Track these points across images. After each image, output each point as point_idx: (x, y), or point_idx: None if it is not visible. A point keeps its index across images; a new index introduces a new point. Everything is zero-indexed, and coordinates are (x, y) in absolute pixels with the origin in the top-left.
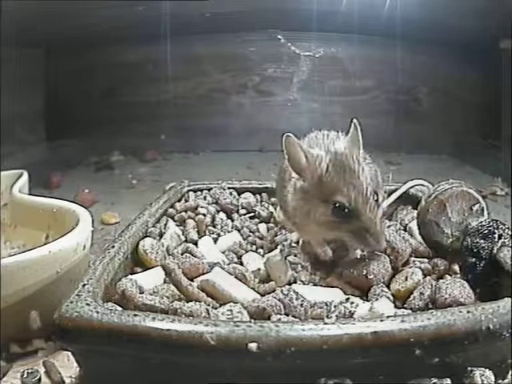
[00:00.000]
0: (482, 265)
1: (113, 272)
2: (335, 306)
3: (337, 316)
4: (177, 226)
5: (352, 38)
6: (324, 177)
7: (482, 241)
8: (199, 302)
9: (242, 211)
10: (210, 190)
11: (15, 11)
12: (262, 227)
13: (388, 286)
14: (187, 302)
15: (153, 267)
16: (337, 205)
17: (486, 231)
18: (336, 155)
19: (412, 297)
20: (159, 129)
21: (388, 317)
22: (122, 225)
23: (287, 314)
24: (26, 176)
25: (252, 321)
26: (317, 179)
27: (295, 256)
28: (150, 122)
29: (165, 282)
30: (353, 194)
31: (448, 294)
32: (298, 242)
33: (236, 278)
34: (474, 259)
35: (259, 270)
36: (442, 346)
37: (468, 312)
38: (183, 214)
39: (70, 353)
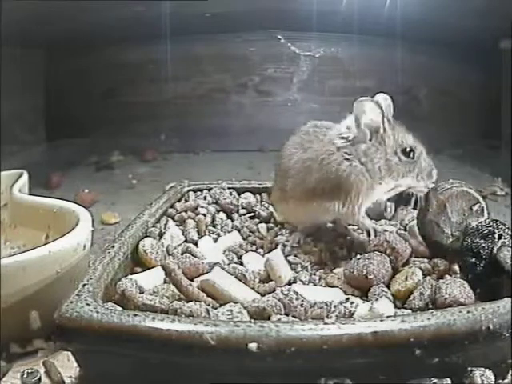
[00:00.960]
0: (482, 265)
1: (113, 272)
2: (335, 306)
3: (337, 316)
4: (177, 225)
5: (352, 37)
6: (391, 133)
7: (481, 241)
8: (199, 301)
9: (242, 211)
10: (209, 189)
11: (15, 11)
12: (262, 227)
13: (388, 286)
14: (187, 302)
15: (153, 267)
16: (407, 149)
17: (485, 231)
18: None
19: (412, 297)
20: (159, 129)
21: (388, 317)
22: (122, 225)
23: (287, 314)
24: (25, 176)
25: (252, 321)
26: (389, 134)
27: (295, 256)
28: (150, 122)
29: (165, 281)
30: (411, 140)
31: (448, 294)
32: (298, 242)
33: (236, 277)
34: (473, 259)
35: (259, 270)
36: (442, 346)
37: (468, 312)
38: (183, 214)
39: (69, 353)
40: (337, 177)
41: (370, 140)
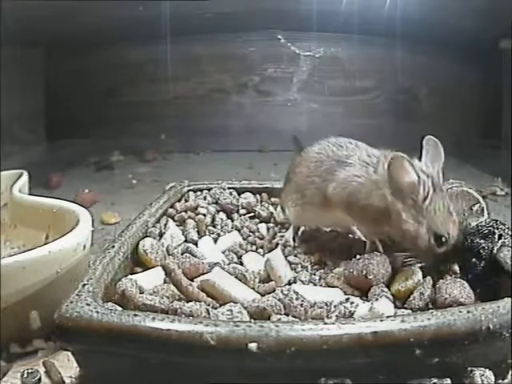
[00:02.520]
0: (482, 265)
1: (113, 272)
2: (335, 306)
3: (337, 316)
4: (177, 226)
5: (352, 37)
6: (429, 206)
7: (482, 241)
8: (199, 301)
9: (242, 211)
10: (209, 189)
11: (15, 11)
12: (262, 227)
13: (388, 286)
14: (187, 302)
15: (153, 267)
16: (439, 237)
17: (485, 231)
18: (434, 181)
19: (412, 297)
20: (159, 129)
21: (388, 317)
22: (122, 225)
23: (287, 314)
24: (25, 176)
25: (252, 321)
26: (420, 207)
27: (295, 256)
28: (150, 122)
29: (165, 281)
30: (451, 230)
31: (448, 294)
32: (294, 239)
33: (236, 277)
34: (474, 259)
35: (259, 270)
36: (442, 346)
37: (468, 312)
38: (183, 214)
39: (69, 353)
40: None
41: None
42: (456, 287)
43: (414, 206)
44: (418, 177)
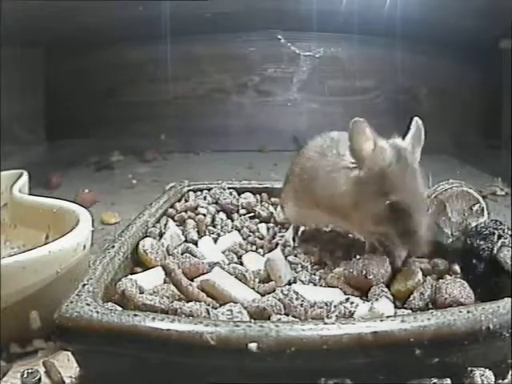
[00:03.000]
0: (482, 266)
1: (113, 272)
2: (335, 306)
3: (337, 316)
4: (177, 226)
5: (352, 37)
6: (387, 171)
7: (481, 242)
8: (199, 301)
9: (242, 211)
10: (210, 189)
11: (15, 11)
12: (262, 227)
13: (388, 286)
14: (187, 302)
15: (153, 267)
16: (393, 202)
17: (485, 232)
18: (400, 151)
19: (412, 297)
20: (159, 129)
21: (388, 317)
22: (122, 225)
23: (287, 314)
24: (25, 176)
25: (252, 321)
26: (378, 172)
27: (295, 256)
28: (150, 122)
29: (165, 281)
30: (410, 195)
31: (448, 294)
32: (294, 239)
33: (236, 278)
34: (474, 260)
35: (259, 270)
36: (442, 346)
37: (468, 312)
38: (183, 213)
39: (69, 353)
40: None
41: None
42: (456, 287)
43: (372, 175)
44: (375, 142)
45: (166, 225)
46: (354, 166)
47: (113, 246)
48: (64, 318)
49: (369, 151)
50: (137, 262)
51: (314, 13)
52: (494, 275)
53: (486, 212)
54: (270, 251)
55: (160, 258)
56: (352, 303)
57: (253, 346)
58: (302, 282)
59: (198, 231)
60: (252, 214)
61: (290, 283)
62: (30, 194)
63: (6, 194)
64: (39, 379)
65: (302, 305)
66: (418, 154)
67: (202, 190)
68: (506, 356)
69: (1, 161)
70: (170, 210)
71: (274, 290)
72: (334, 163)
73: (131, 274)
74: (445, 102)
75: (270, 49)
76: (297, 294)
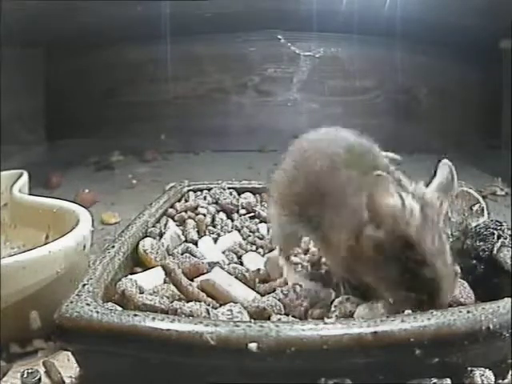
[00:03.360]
0: (482, 267)
1: (113, 272)
2: (335, 306)
3: (337, 316)
4: (177, 226)
5: (352, 37)
6: (413, 236)
7: (481, 243)
8: (199, 301)
9: (242, 211)
10: (210, 189)
11: (15, 11)
12: (262, 227)
13: None
14: (187, 302)
15: (153, 267)
16: (419, 270)
17: (485, 233)
18: (426, 208)
19: None
20: (159, 129)
21: (388, 317)
22: (122, 225)
23: (287, 314)
24: (25, 176)
25: (252, 321)
26: (402, 236)
27: (295, 256)
28: (150, 121)
29: (165, 281)
30: (437, 265)
31: None
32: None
33: (236, 278)
34: (474, 261)
35: (259, 270)
36: (442, 346)
37: (468, 312)
38: (183, 214)
39: (70, 353)
40: None
41: None
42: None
43: (391, 238)
44: (402, 200)
45: (165, 225)
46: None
47: (113, 246)
48: (64, 317)
49: (392, 210)
50: (137, 261)
51: (313, 13)
52: (493, 275)
53: (485, 212)
54: (270, 251)
55: (160, 258)
56: (352, 303)
57: (253, 345)
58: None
59: (198, 231)
60: (252, 214)
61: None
62: (30, 194)
63: (6, 193)
64: (39, 379)
65: (302, 305)
66: (447, 205)
67: (202, 190)
68: (506, 356)
69: (1, 161)
70: (170, 210)
71: (274, 290)
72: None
73: (131, 273)
74: (445, 102)
75: (270, 49)
76: (297, 294)
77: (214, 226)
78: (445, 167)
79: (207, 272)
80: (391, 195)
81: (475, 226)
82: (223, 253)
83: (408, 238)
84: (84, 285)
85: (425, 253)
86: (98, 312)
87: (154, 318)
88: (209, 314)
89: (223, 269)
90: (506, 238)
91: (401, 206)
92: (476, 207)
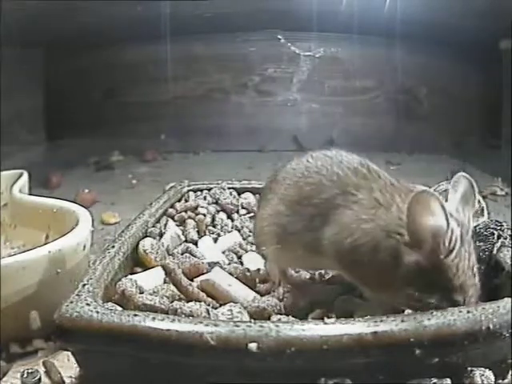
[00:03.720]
0: (482, 267)
1: (113, 272)
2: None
3: (337, 316)
4: (177, 226)
5: (352, 38)
6: (449, 261)
7: (481, 243)
8: (199, 301)
9: (242, 211)
10: (210, 189)
11: (15, 11)
12: None
13: None
14: (187, 302)
15: (153, 267)
16: (454, 300)
17: (484, 233)
18: (463, 230)
19: None
20: (159, 129)
21: (388, 317)
22: (122, 225)
23: (287, 314)
24: (25, 176)
25: (252, 321)
26: (438, 259)
27: None
28: (150, 122)
29: (165, 281)
30: (470, 292)
31: None
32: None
33: (236, 278)
34: None
35: (259, 269)
36: (441, 346)
37: (468, 312)
38: (183, 214)
39: (70, 353)
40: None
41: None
42: None
43: (432, 260)
44: (448, 222)
45: (166, 225)
46: (410, 245)
47: (113, 246)
48: (64, 318)
49: (434, 229)
50: (137, 261)
51: (314, 13)
52: (493, 275)
53: (486, 212)
54: None
55: (160, 258)
56: (352, 302)
57: (253, 345)
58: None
59: (198, 231)
60: (252, 214)
61: None
62: (29, 194)
63: (5, 193)
64: (39, 379)
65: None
66: (471, 221)
67: (202, 190)
68: (506, 356)
69: (1, 161)
70: (170, 210)
71: (274, 290)
72: (376, 218)
73: (131, 273)
74: (445, 101)
75: (270, 49)
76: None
77: (214, 226)
78: (463, 180)
79: (207, 272)
80: (435, 214)
81: (475, 226)
82: (223, 253)
83: (448, 263)
84: (84, 285)
85: (462, 279)
86: (98, 312)
87: (154, 318)
88: (209, 314)
89: (223, 269)
90: (506, 238)
91: (445, 227)
92: (476, 207)
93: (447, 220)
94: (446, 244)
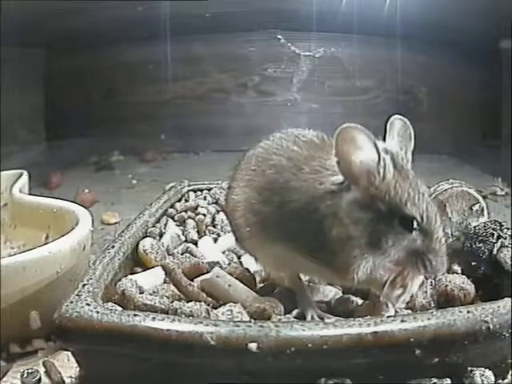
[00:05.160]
0: (482, 268)
1: (113, 272)
2: (335, 306)
3: (337, 316)
4: (177, 226)
5: (352, 37)
6: (390, 184)
7: (481, 244)
8: (199, 301)
9: None
10: (210, 190)
11: (15, 11)
12: None
13: None
14: (187, 302)
15: (153, 267)
16: (407, 219)
17: (484, 234)
18: (396, 158)
19: (415, 295)
20: (159, 129)
21: (388, 317)
22: (122, 225)
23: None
24: (25, 176)
25: (252, 321)
26: (382, 187)
27: None
28: (150, 121)
29: (165, 281)
30: (424, 206)
31: (448, 281)
32: None
33: (236, 278)
34: (475, 263)
35: (259, 269)
36: (441, 346)
37: (468, 312)
38: (183, 213)
39: (70, 353)
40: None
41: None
42: (456, 276)
43: (372, 190)
44: (377, 151)
45: (166, 225)
46: (344, 186)
47: (113, 246)
48: (64, 317)
49: (364, 163)
50: (137, 262)
51: (314, 13)
52: (494, 276)
53: (485, 212)
54: None
55: (160, 258)
56: (352, 302)
57: (253, 345)
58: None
59: (197, 231)
60: None
61: None
62: (29, 194)
63: (5, 194)
64: (39, 379)
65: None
66: (410, 156)
67: (202, 190)
68: (506, 356)
69: (1, 161)
70: (170, 210)
71: (274, 290)
72: (314, 183)
73: (131, 273)
74: (445, 102)
75: (270, 49)
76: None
77: (214, 226)
78: (397, 121)
79: (207, 272)
80: (361, 146)
81: (475, 227)
82: (223, 253)
83: (386, 190)
84: (84, 285)
85: (409, 200)
86: (98, 312)
87: (154, 318)
88: (209, 314)
89: (223, 269)
90: (505, 239)
91: (376, 157)
92: (476, 207)
93: (376, 148)
94: (381, 171)
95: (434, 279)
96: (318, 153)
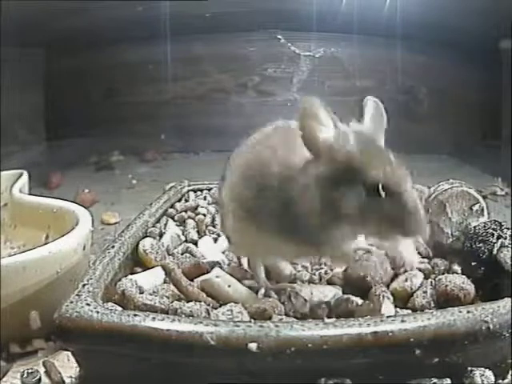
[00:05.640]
0: (483, 268)
1: (113, 272)
2: (336, 306)
3: (337, 316)
4: (177, 225)
5: (352, 37)
6: (354, 155)
7: (481, 244)
8: (199, 302)
9: None
10: (209, 190)
11: (15, 11)
12: None
13: (389, 287)
14: (187, 302)
15: (153, 267)
16: (373, 184)
17: (484, 234)
18: (362, 133)
19: (415, 295)
20: (159, 129)
21: (388, 317)
22: (122, 225)
23: (287, 315)
24: (25, 176)
25: (252, 321)
26: (344, 159)
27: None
28: (150, 122)
29: (165, 281)
30: (389, 169)
31: (448, 281)
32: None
33: (236, 278)
34: (475, 263)
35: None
36: (441, 346)
37: (468, 312)
38: (183, 213)
39: (70, 353)
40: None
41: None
42: (456, 276)
43: (333, 163)
44: (334, 123)
45: (166, 225)
46: (311, 159)
47: (113, 246)
48: (64, 317)
49: (327, 138)
50: (137, 262)
51: (314, 13)
52: (494, 276)
53: (485, 212)
54: None
55: (160, 258)
56: (352, 302)
57: (253, 345)
58: (302, 281)
59: (197, 231)
60: None
61: (290, 283)
62: (30, 194)
63: (5, 194)
64: (39, 379)
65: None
66: (382, 139)
67: (202, 190)
68: (506, 356)
69: (1, 161)
70: (170, 210)
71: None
72: (286, 162)
73: (131, 273)
74: (445, 102)
75: (270, 49)
76: (296, 294)
77: (214, 226)
78: (371, 103)
79: (207, 272)
80: (323, 123)
81: (475, 227)
82: (223, 253)
83: (350, 158)
84: (84, 285)
85: (375, 166)
86: (98, 312)
87: (154, 318)
88: (209, 314)
89: (223, 269)
90: (505, 239)
91: (336, 131)
92: (476, 207)
93: (333, 121)
94: (340, 143)
95: (434, 279)
96: (294, 138)
